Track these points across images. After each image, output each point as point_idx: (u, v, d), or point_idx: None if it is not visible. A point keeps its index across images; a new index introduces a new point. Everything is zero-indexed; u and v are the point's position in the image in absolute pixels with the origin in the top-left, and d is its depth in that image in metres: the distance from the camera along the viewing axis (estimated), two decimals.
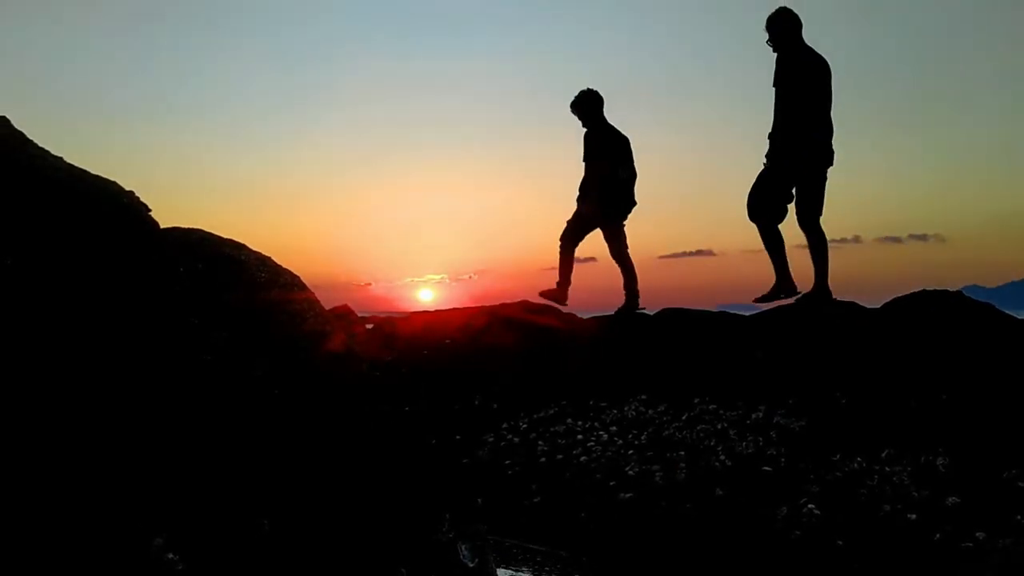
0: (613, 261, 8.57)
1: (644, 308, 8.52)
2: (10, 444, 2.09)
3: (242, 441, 2.71)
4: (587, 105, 8.33)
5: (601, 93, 8.34)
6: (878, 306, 7.52)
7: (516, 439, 5.68)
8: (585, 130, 8.41)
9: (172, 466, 2.39)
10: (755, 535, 4.03)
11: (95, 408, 2.34)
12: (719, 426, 5.45)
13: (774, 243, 7.34)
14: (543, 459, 5.27)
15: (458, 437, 5.81)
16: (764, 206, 7.20)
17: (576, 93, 8.36)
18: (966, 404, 5.37)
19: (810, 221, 7.05)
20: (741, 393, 6.06)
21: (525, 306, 9.16)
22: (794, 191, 7.07)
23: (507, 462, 5.29)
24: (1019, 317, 7.06)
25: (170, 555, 2.13)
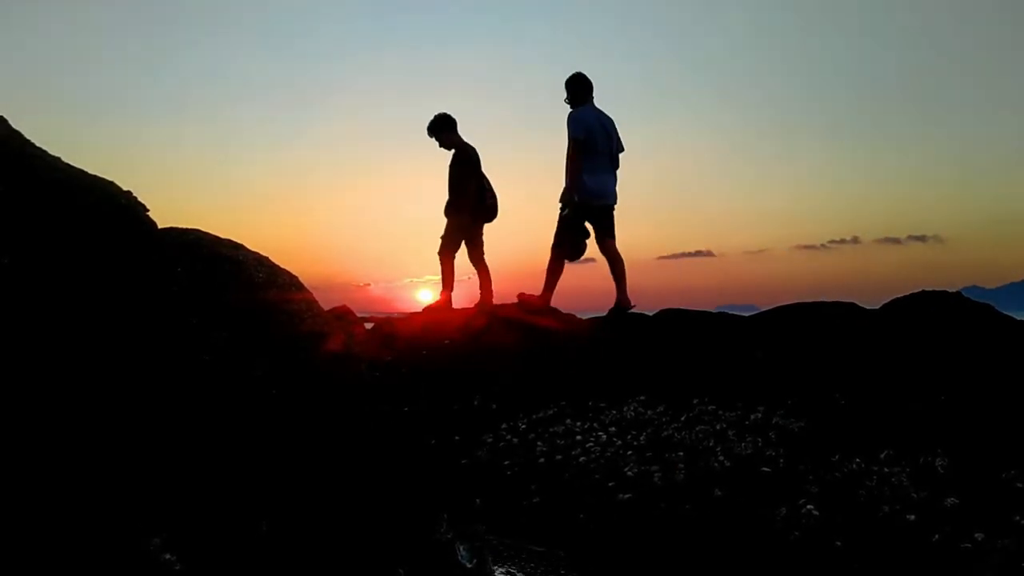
0: (472, 266, 9.34)
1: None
2: (9, 443, 2.09)
3: (240, 441, 2.70)
4: (443, 127, 8.93)
5: (453, 115, 8.96)
6: (877, 307, 7.53)
7: (515, 440, 5.67)
8: (452, 152, 8.98)
9: (170, 466, 2.38)
10: (754, 536, 4.03)
11: (93, 407, 2.34)
12: (718, 427, 5.45)
13: (558, 269, 8.61)
14: (542, 460, 5.26)
15: (457, 438, 5.80)
16: (568, 244, 8.43)
17: (432, 117, 8.99)
18: (965, 405, 5.37)
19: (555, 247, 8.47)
20: (740, 394, 6.06)
21: (524, 307, 9.16)
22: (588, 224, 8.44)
23: (506, 463, 5.28)
24: (1018, 318, 7.07)
25: (167, 555, 2.13)
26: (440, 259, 9.33)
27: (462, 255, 9.43)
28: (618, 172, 8.55)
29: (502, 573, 4.09)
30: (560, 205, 8.33)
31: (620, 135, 8.53)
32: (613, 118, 8.43)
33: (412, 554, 2.95)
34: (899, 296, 7.45)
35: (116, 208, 3.02)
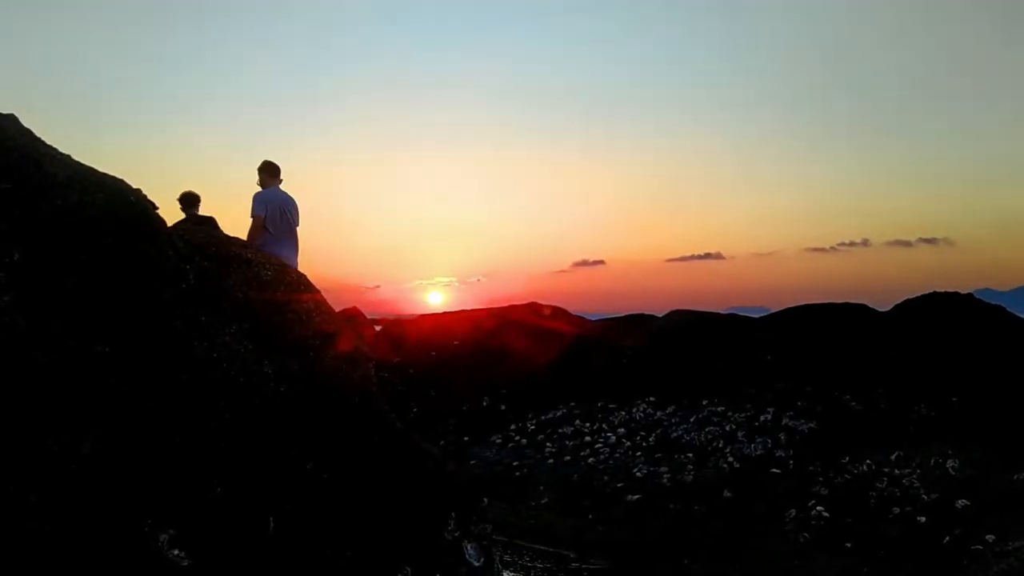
0: None
1: None
2: (16, 440, 2.09)
3: (249, 438, 2.70)
4: (189, 205, 8.93)
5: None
6: (888, 309, 7.49)
7: (524, 440, 5.67)
8: None
9: (178, 462, 2.38)
10: (764, 537, 4.00)
11: (102, 404, 2.34)
12: (728, 428, 5.43)
13: None
14: (551, 460, 5.25)
15: (466, 438, 5.80)
16: None
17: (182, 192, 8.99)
18: (977, 407, 5.33)
19: None
20: (750, 395, 6.04)
21: (533, 309, 9.17)
22: None
23: (515, 463, 5.28)
24: None
25: (176, 551, 2.13)
26: None
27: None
28: (299, 245, 9.52)
29: (509, 572, 4.07)
30: None
31: (299, 213, 9.46)
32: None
33: (419, 552, 2.94)
34: (910, 298, 7.41)
35: (125, 205, 3.03)
